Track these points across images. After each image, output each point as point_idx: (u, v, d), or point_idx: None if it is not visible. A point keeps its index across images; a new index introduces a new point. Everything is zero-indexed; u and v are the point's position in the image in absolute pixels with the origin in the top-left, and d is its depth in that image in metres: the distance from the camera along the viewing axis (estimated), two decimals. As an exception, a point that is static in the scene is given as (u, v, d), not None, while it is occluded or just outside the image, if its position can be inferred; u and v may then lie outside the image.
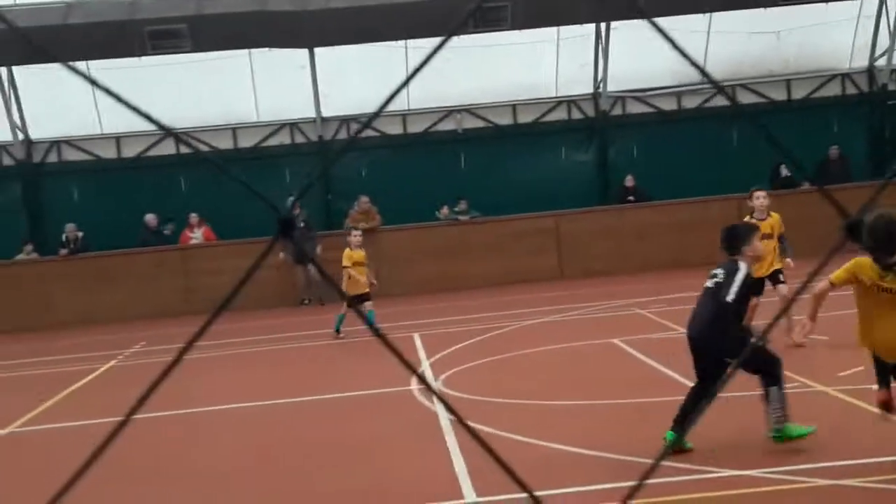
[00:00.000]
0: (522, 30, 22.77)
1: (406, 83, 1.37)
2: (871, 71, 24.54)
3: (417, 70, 1.30)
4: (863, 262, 6.47)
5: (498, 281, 21.21)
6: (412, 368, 1.31)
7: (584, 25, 23.47)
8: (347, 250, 15.30)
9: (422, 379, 1.84)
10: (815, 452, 7.09)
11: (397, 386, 10.99)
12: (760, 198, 11.64)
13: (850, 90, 24.83)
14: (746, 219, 11.68)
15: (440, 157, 24.18)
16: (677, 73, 24.43)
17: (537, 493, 5.45)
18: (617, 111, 24.66)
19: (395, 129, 24.37)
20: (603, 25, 23.32)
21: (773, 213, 11.73)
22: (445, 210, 22.71)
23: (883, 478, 6.43)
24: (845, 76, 24.76)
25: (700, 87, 24.43)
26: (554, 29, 23.33)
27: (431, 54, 1.23)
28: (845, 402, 8.60)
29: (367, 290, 15.10)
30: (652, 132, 24.28)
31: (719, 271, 7.67)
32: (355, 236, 15.41)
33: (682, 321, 13.39)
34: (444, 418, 9.24)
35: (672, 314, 14.45)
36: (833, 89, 24.84)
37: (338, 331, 15.22)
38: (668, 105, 24.64)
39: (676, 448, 7.41)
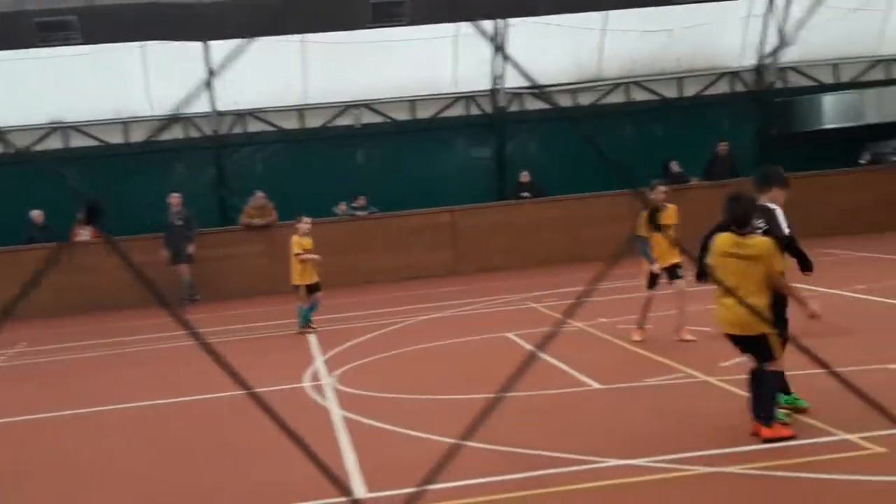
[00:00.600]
0: (420, 25, 22.77)
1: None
2: (759, 69, 25.22)
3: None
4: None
5: (395, 277, 21.18)
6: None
7: (482, 21, 23.56)
8: (296, 237, 14.80)
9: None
10: (697, 441, 7.24)
11: (290, 383, 10.88)
12: (661, 192, 11.97)
13: (739, 88, 25.48)
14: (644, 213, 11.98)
15: (338, 153, 24.02)
16: (574, 71, 24.74)
17: (428, 487, 5.42)
18: (515, 107, 24.85)
19: (291, 123, 24.13)
20: (501, 22, 23.47)
21: (669, 206, 11.98)
22: (343, 206, 22.56)
23: (761, 465, 6.60)
24: (735, 74, 25.39)
25: (596, 84, 24.79)
26: (453, 25, 23.38)
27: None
28: (726, 390, 8.81)
29: (318, 279, 14.74)
30: (549, 128, 24.53)
31: (758, 222, 7.65)
32: (305, 223, 14.86)
33: (574, 315, 13.62)
34: (337, 415, 9.18)
35: (564, 308, 14.64)
36: (723, 87, 25.45)
37: (308, 321, 14.77)
38: (565, 102, 24.92)
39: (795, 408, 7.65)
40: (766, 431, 7.02)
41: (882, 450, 6.68)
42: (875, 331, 10.94)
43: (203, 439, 9.03)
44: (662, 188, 12.05)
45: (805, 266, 7.77)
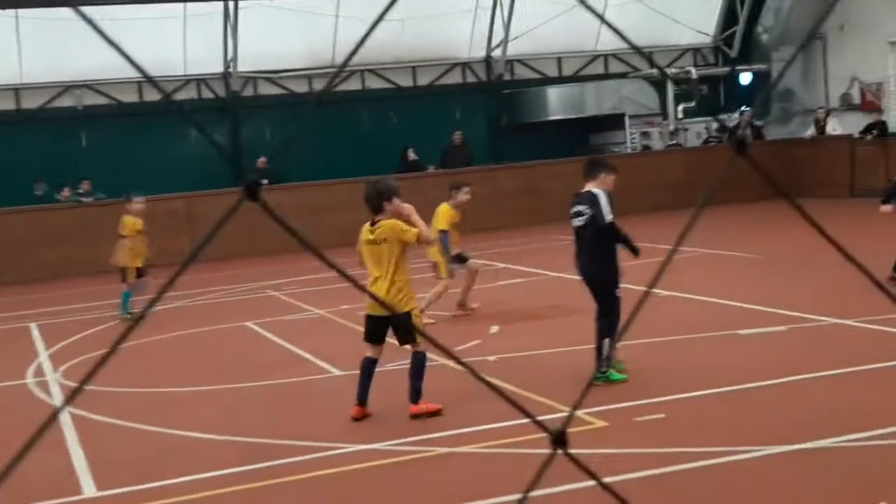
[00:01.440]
0: (146, 4, 21.89)
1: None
2: (488, 61, 26.08)
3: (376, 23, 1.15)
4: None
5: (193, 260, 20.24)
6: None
7: (211, 3, 22.96)
8: (129, 218, 13.89)
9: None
10: (435, 423, 7.39)
11: (12, 380, 10.18)
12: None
13: (471, 78, 26.26)
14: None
15: (58, 136, 22.67)
16: (307, 56, 24.61)
17: (154, 484, 5.16)
18: (248, 92, 24.40)
19: (6, 104, 22.54)
20: (231, 4, 22.95)
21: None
22: (67, 192, 21.34)
23: (495, 443, 6.81)
24: (466, 65, 26.14)
25: (329, 70, 24.76)
26: (181, 5, 22.61)
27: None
28: (463, 373, 9.04)
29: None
30: (284, 114, 24.28)
31: (581, 207, 8.01)
32: (137, 202, 14.05)
33: (315, 302, 13.57)
34: (64, 412, 8.67)
35: (305, 295, 14.55)
36: (455, 77, 26.14)
37: (128, 312, 13.63)
38: (300, 87, 24.75)
39: (616, 380, 8.02)
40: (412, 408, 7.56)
41: (604, 423, 7.08)
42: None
43: None
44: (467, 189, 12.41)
45: (632, 250, 8.04)
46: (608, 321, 7.94)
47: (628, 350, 9.21)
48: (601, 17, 1.34)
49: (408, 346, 7.72)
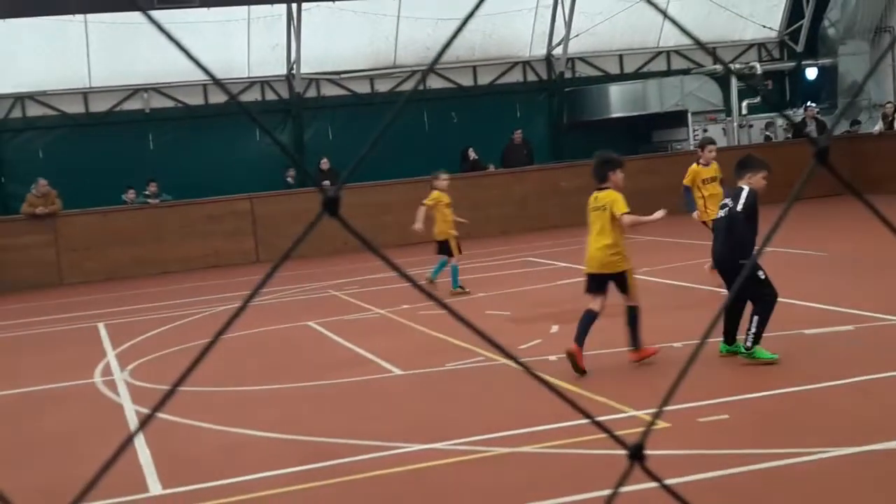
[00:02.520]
0: (212, 7, 22.20)
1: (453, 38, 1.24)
2: (549, 59, 25.99)
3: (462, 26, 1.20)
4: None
5: (193, 266, 20.59)
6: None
7: (275, 6, 23.21)
8: (436, 192, 14.01)
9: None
10: (494, 422, 7.38)
11: (80, 379, 10.39)
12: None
13: (531, 77, 26.19)
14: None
15: (126, 138, 23.10)
16: (370, 57, 24.75)
17: (230, 480, 5.24)
18: (311, 93, 24.62)
19: (75, 108, 23.03)
20: (294, 6, 23.18)
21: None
22: (132, 193, 21.74)
23: (554, 443, 6.79)
24: (526, 63, 26.08)
25: (392, 71, 24.88)
26: (244, 8, 22.89)
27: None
28: (521, 373, 9.03)
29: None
30: (346, 115, 24.46)
31: (727, 200, 8.67)
32: (443, 178, 14.13)
33: (376, 302, 13.66)
34: (130, 410, 8.84)
35: (366, 295, 14.65)
36: (515, 76, 26.10)
37: (458, 286, 13.89)
38: (362, 88, 24.90)
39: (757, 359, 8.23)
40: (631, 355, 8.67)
41: (667, 424, 7.01)
42: (646, 310, 11.47)
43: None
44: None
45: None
46: (763, 303, 8.16)
47: (692, 349, 9.11)
48: (664, 13, 1.33)
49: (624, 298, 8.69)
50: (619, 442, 1.25)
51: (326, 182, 22.95)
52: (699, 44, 1.30)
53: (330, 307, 13.83)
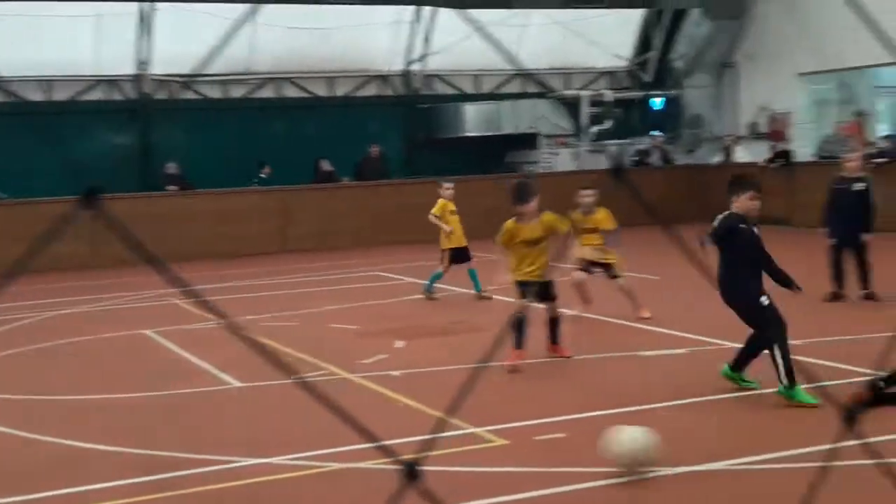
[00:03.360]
0: (59, 1, 21.37)
1: None
2: (406, 74, 26.06)
3: None
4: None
5: (23, 269, 19.63)
6: None
7: (127, 3, 22.50)
8: (441, 200, 14.25)
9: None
10: (330, 438, 7.27)
11: None
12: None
13: (388, 91, 26.20)
14: None
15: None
16: (224, 62, 24.26)
17: (49, 493, 4.95)
18: (162, 95, 23.96)
19: None
20: (146, 5, 22.53)
21: None
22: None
23: (387, 460, 6.72)
24: (384, 78, 26.07)
25: (246, 77, 24.48)
26: (92, 3, 22.09)
27: None
28: (363, 387, 8.95)
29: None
30: (197, 119, 23.91)
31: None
32: (448, 187, 14.40)
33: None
34: (-53, 419, 8.34)
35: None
36: (372, 89, 26.05)
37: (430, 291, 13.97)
38: (215, 93, 24.40)
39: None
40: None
41: (504, 442, 7.06)
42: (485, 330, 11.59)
43: None
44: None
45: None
46: (767, 335, 7.59)
47: (533, 368, 9.23)
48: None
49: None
50: (394, 458, 1.19)
51: (173, 187, 22.35)
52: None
53: (169, 316, 13.42)
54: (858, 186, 12.15)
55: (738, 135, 25.15)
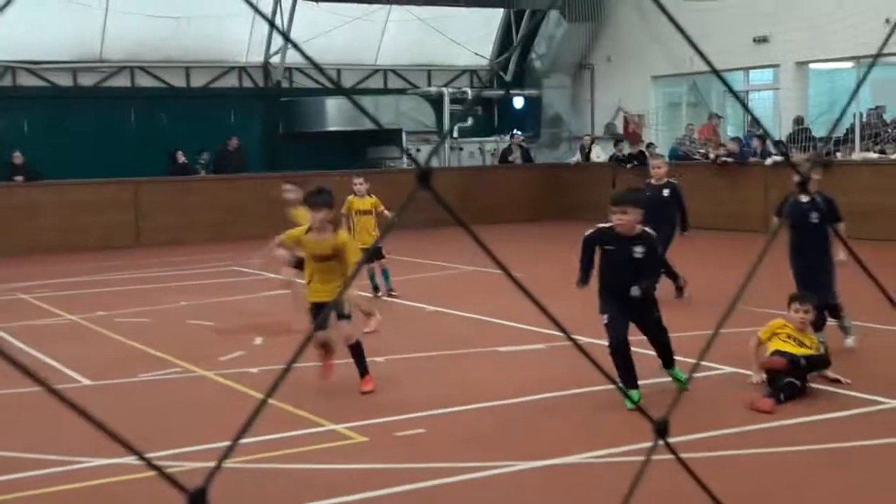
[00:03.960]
0: None
1: None
2: (266, 67, 25.65)
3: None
4: None
5: None
6: None
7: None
8: (352, 197, 13.30)
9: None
10: (190, 436, 7.09)
11: None
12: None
13: (248, 83, 25.73)
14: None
15: None
16: (74, 49, 23.39)
17: None
18: (6, 82, 22.92)
19: None
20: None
21: None
22: None
23: (253, 457, 6.58)
24: (243, 69, 25.60)
25: (98, 65, 23.66)
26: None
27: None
28: (222, 385, 8.75)
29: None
30: (45, 107, 22.98)
31: None
32: (359, 184, 13.51)
33: (69, 307, 12.81)
34: None
35: (60, 300, 13.73)
36: (231, 81, 25.55)
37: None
38: (64, 81, 23.49)
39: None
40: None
41: (364, 439, 7.00)
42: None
43: None
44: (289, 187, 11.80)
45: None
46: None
47: (392, 365, 9.19)
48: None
49: None
50: (176, 485, 1.12)
51: (19, 177, 21.42)
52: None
53: (16, 311, 12.83)
54: (665, 192, 12.64)
55: (595, 135, 25.73)
